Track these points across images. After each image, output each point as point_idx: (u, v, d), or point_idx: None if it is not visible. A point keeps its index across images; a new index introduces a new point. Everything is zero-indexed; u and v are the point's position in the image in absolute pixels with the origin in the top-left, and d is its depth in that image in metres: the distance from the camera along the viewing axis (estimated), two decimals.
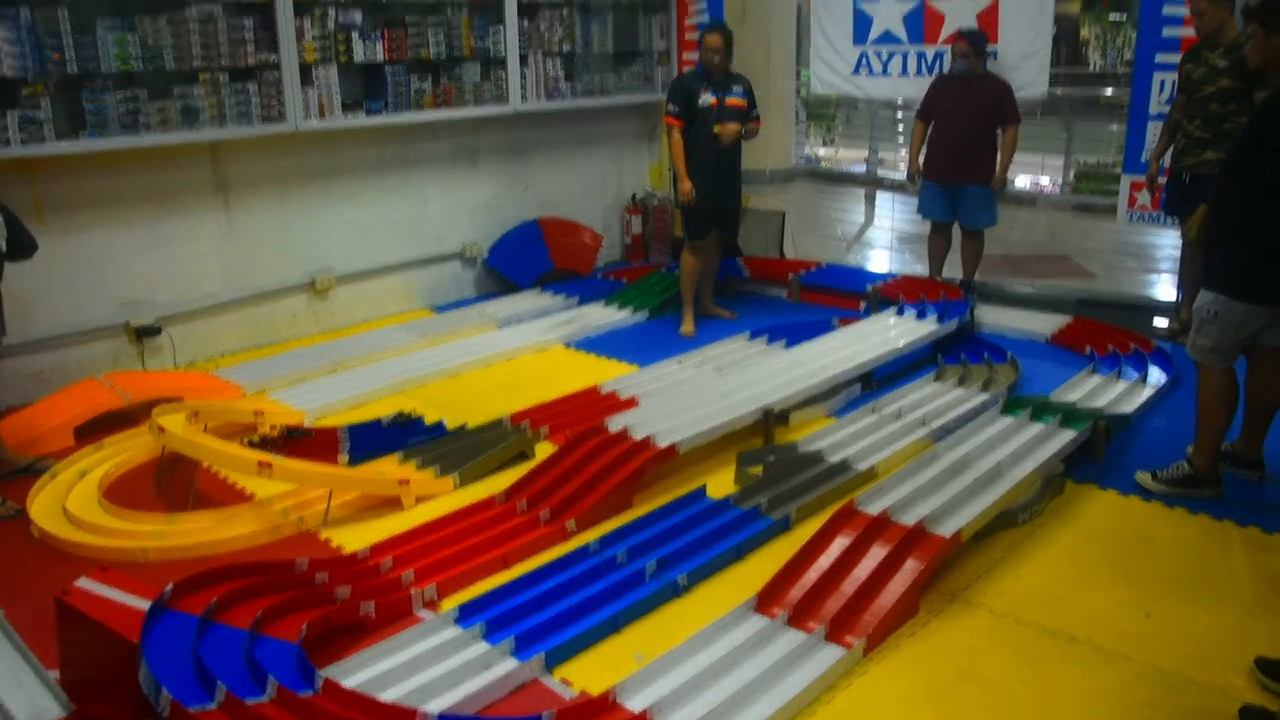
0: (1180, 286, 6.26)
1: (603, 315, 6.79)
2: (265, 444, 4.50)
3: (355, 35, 6.22)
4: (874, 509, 3.71)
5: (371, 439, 4.67)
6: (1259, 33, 3.82)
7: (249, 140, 5.95)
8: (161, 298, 5.84)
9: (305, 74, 6.01)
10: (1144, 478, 4.25)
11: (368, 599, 3.28)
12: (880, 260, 8.79)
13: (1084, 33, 20.10)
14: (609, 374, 5.58)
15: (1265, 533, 3.85)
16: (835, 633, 3.13)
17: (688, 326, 6.50)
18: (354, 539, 3.85)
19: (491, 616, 3.19)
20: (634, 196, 8.38)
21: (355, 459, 4.50)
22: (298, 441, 4.58)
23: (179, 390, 5.15)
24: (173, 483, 4.37)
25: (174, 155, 5.72)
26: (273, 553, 3.74)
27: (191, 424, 4.40)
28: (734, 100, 6.22)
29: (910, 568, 3.41)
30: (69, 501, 4.07)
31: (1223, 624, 3.28)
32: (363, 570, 3.50)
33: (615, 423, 4.45)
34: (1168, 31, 6.22)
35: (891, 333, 5.85)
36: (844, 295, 7.02)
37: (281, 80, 5.89)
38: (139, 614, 2.85)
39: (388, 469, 4.35)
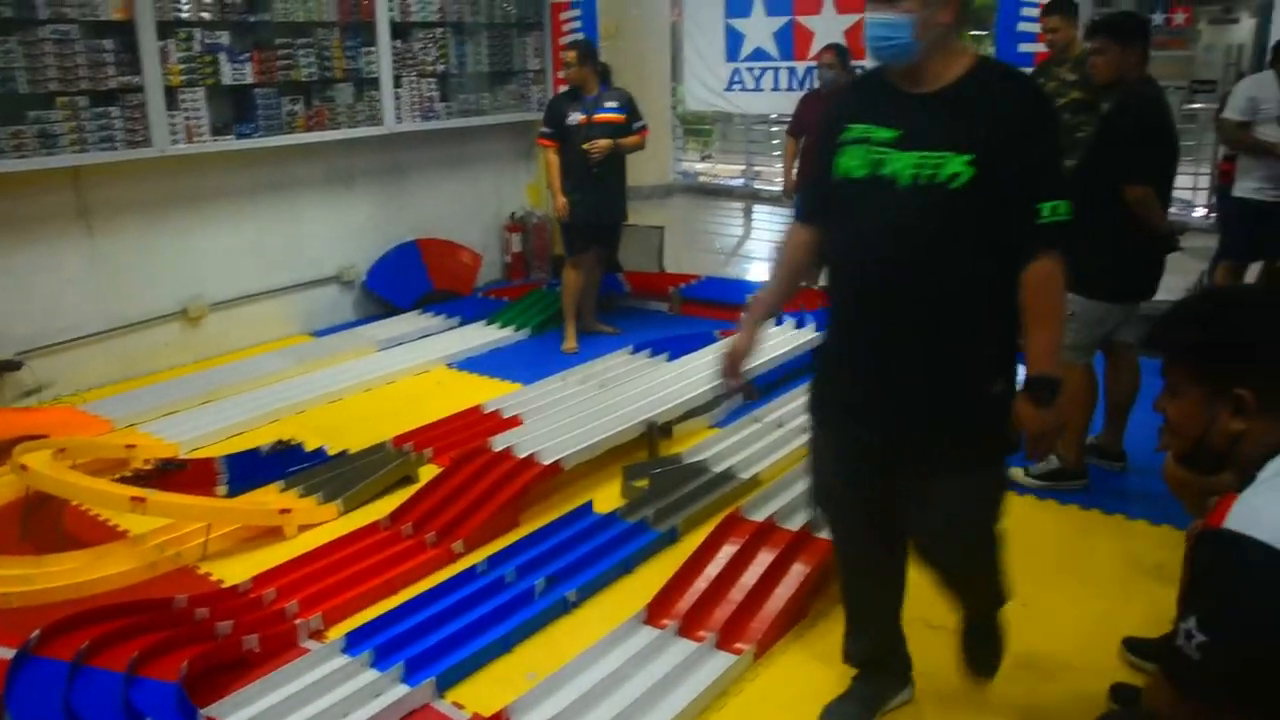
0: None
1: (484, 335, 6.75)
2: (138, 478, 4.36)
3: (223, 57, 6.09)
4: (759, 516, 3.77)
5: (250, 469, 4.56)
6: (1112, 47, 4.01)
7: (113, 165, 5.77)
8: (22, 330, 5.60)
9: (171, 97, 5.85)
10: (1017, 473, 4.40)
11: (250, 633, 3.19)
12: (759, 272, 8.92)
13: None
14: (492, 393, 5.55)
15: (1129, 519, 4.04)
16: (725, 640, 3.17)
17: (570, 343, 6.51)
18: (235, 572, 3.74)
19: (380, 643, 3.13)
20: (513, 215, 8.37)
21: (234, 490, 4.39)
22: (173, 474, 4.45)
23: (43, 427, 4.95)
24: (39, 524, 4.19)
25: (31, 182, 5.50)
26: (149, 591, 3.61)
27: (57, 461, 4.24)
28: (606, 116, 6.27)
29: (797, 572, 3.47)
30: None
31: (1093, 608, 3.42)
32: (245, 603, 3.42)
33: (499, 442, 4.43)
34: (1023, 47, 6.49)
35: (771, 342, 5.95)
36: (724, 307, 7.11)
37: (146, 103, 5.72)
38: (1, 664, 2.73)
39: (268, 499, 4.26)
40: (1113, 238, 3.97)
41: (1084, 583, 3.60)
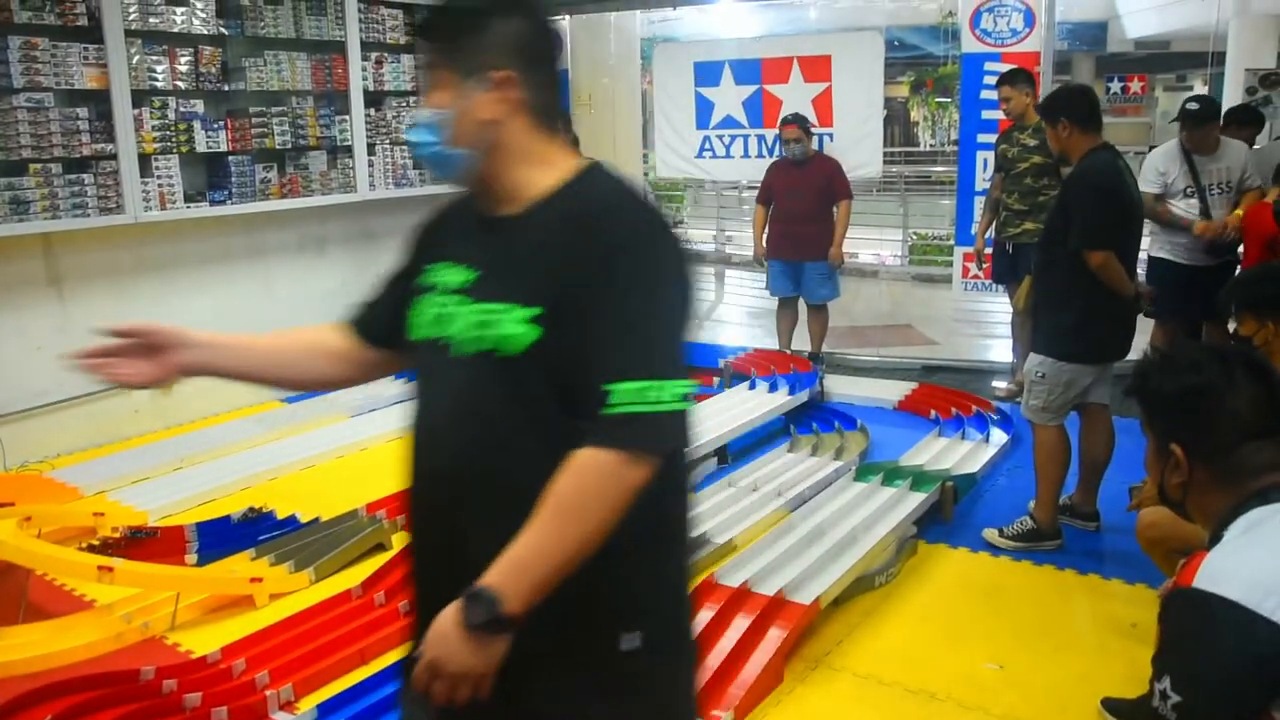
0: (1015, 350, 6.59)
1: None
2: (106, 547, 4.29)
3: (197, 125, 6.12)
4: (734, 581, 3.74)
5: (221, 537, 4.50)
6: (1045, 124, 4.19)
7: (85, 232, 5.76)
8: None
9: (145, 164, 5.86)
10: (991, 534, 4.42)
11: (220, 704, 3.14)
12: (732, 335, 8.97)
13: (914, 114, 21.20)
14: None
15: (1104, 579, 4.05)
16: (702, 707, 3.14)
17: None
18: (204, 642, 3.68)
19: (351, 714, 3.09)
20: None
21: (204, 558, 4.33)
22: (142, 542, 4.38)
23: (9, 495, 4.87)
24: (2, 594, 4.11)
25: (2, 248, 5.48)
26: (116, 662, 3.54)
27: (23, 529, 4.17)
28: None
29: (773, 637, 3.45)
30: None
31: (1071, 669, 3.42)
32: (214, 674, 3.35)
33: None
34: (986, 114, 6.64)
35: (745, 406, 5.97)
36: (698, 371, 7.13)
37: (119, 170, 5.72)
38: None
39: (239, 567, 4.20)
40: (1079, 300, 4.04)
41: (1060, 643, 3.60)
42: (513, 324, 1.52)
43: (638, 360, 1.46)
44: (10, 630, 3.75)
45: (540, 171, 1.60)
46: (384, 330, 1.87)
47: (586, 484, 1.44)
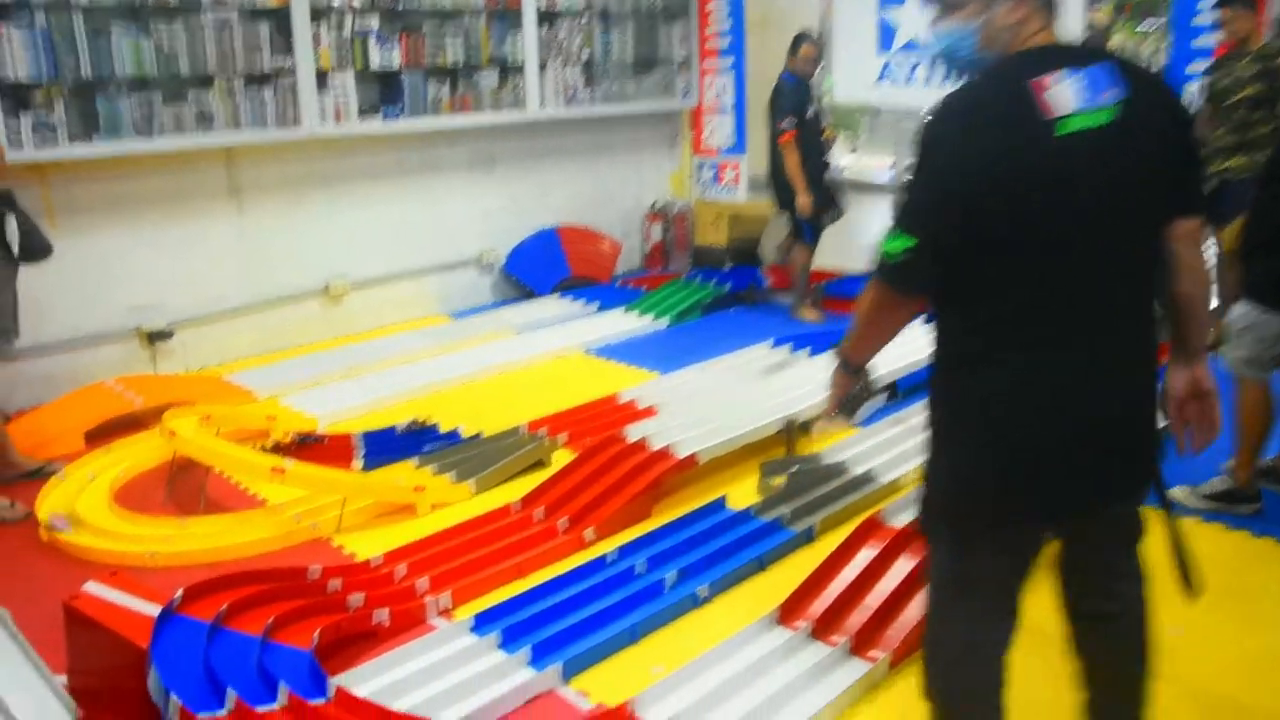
0: (1219, 294, 6.13)
1: (622, 322, 6.71)
2: (278, 449, 4.43)
3: (372, 41, 6.18)
4: (899, 522, 3.61)
5: (386, 445, 4.60)
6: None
7: (263, 145, 5.92)
8: (173, 302, 5.78)
9: (321, 79, 5.96)
10: (1180, 492, 4.13)
11: (381, 606, 3.20)
12: None
13: (1113, 42, 19.97)
14: (628, 382, 5.49)
15: None
16: (859, 647, 3.03)
17: (810, 313, 6.77)
18: (368, 546, 3.77)
19: (508, 625, 3.10)
20: (654, 204, 8.31)
21: (369, 465, 4.43)
22: (311, 447, 4.52)
23: (190, 395, 5.10)
24: (184, 487, 4.31)
25: (187, 160, 5.68)
26: (285, 559, 3.67)
27: (203, 428, 4.34)
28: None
29: None
30: (78, 505, 4.00)
31: (1264, 641, 3.17)
32: (376, 578, 3.43)
33: (634, 431, 4.36)
34: (1198, 42, 6.13)
35: (918, 342, 5.74)
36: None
37: (297, 85, 5.84)
38: (148, 619, 2.77)
39: (403, 475, 4.28)
40: None
41: (1252, 614, 3.33)
42: None
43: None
44: (192, 521, 3.92)
45: None
46: None
47: (864, 296, 2.15)
